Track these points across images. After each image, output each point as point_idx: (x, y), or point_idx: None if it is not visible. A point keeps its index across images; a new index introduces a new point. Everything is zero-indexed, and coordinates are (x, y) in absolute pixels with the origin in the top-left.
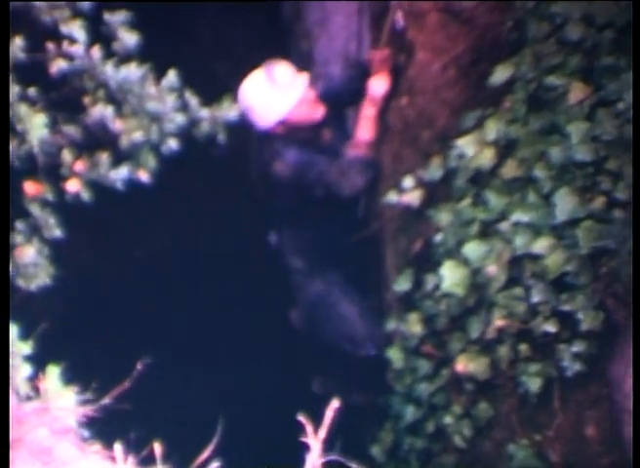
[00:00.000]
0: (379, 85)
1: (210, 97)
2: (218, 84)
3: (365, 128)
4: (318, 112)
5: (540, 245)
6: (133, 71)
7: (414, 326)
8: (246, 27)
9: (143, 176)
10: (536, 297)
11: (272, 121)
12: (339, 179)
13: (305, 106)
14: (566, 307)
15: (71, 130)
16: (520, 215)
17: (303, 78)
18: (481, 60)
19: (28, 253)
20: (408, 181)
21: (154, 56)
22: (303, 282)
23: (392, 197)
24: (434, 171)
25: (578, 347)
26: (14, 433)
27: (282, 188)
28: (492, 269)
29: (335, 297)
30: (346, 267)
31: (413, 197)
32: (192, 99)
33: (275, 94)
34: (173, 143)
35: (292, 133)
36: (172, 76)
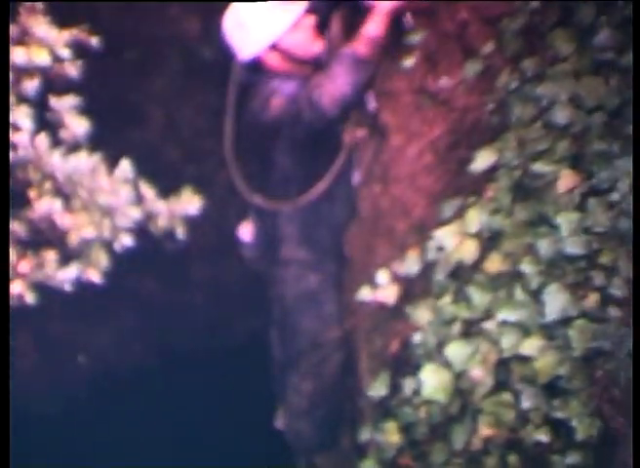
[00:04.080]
0: None
1: (165, 187)
2: (171, 172)
3: (376, 23)
4: (316, 46)
5: (530, 346)
6: (82, 161)
7: (391, 435)
8: (197, 110)
9: (94, 276)
10: (526, 403)
11: (264, 43)
12: (326, 83)
13: (302, 34)
14: (559, 414)
15: (15, 226)
16: (507, 314)
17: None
18: (460, 145)
19: None
20: (382, 276)
21: (105, 143)
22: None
23: (365, 293)
24: (411, 264)
25: (573, 458)
26: None
27: (277, 129)
28: (477, 373)
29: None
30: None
31: (388, 293)
32: (148, 191)
33: (270, 10)
34: (126, 239)
35: (285, 65)
36: (125, 166)
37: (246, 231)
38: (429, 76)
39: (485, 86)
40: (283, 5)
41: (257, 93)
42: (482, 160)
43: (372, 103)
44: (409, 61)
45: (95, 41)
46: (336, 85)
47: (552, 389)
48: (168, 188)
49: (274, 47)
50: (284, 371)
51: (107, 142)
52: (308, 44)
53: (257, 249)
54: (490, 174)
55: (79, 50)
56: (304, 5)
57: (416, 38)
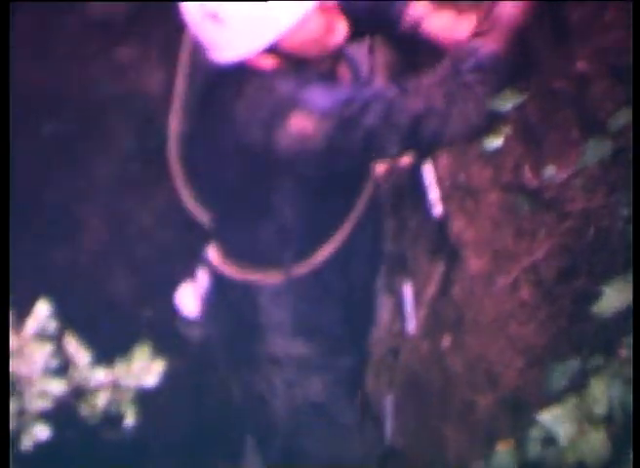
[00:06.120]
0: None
1: (107, 345)
2: (118, 317)
3: (513, 5)
4: (338, 34)
5: None
6: None
7: None
8: (156, 213)
9: None
10: None
11: (256, 47)
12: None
13: (318, 21)
14: None
15: None
16: None
17: None
18: (578, 274)
19: None
20: None
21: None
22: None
23: None
24: (502, 463)
25: None
26: None
27: (297, 162)
28: None
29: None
30: None
31: None
32: (79, 353)
33: None
34: (42, 431)
35: (289, 67)
36: (42, 311)
37: (190, 298)
38: (527, 164)
39: (617, 179)
40: None
41: (251, 101)
42: (613, 298)
43: (438, 206)
44: (495, 141)
45: None
46: (470, 102)
47: None
48: (112, 347)
49: (273, 49)
50: None
51: (14, 273)
52: (325, 36)
53: (211, 329)
54: (626, 320)
55: None
56: None
57: (506, 104)
